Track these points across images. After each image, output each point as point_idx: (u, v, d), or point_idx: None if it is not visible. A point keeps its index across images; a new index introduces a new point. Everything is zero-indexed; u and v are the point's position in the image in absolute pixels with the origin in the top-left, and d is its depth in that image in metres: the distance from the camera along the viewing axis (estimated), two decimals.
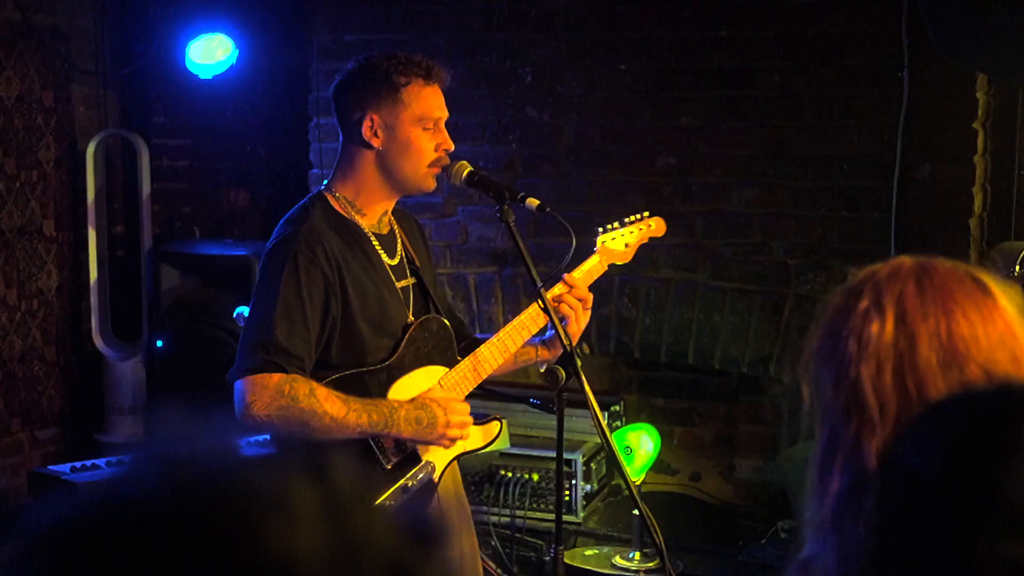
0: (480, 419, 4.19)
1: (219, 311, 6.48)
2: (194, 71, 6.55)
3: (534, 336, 4.23)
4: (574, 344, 4.01)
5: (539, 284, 4.00)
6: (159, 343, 6.70)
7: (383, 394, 3.95)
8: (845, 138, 5.78)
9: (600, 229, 4.43)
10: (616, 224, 4.47)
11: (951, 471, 1.49)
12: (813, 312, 5.63)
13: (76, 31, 7.02)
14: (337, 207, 3.98)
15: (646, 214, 4.58)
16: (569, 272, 4.22)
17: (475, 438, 4.19)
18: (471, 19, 6.27)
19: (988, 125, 5.74)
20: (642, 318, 6.14)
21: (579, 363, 3.91)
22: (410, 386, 4.00)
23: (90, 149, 6.93)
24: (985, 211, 5.79)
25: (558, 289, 4.15)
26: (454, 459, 4.17)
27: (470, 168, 4.07)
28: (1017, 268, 4.86)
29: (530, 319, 4.15)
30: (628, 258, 4.51)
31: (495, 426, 4.29)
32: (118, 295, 7.15)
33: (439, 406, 3.95)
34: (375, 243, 4.02)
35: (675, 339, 6.12)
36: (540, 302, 4.03)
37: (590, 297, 4.22)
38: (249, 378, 3.73)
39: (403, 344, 4.00)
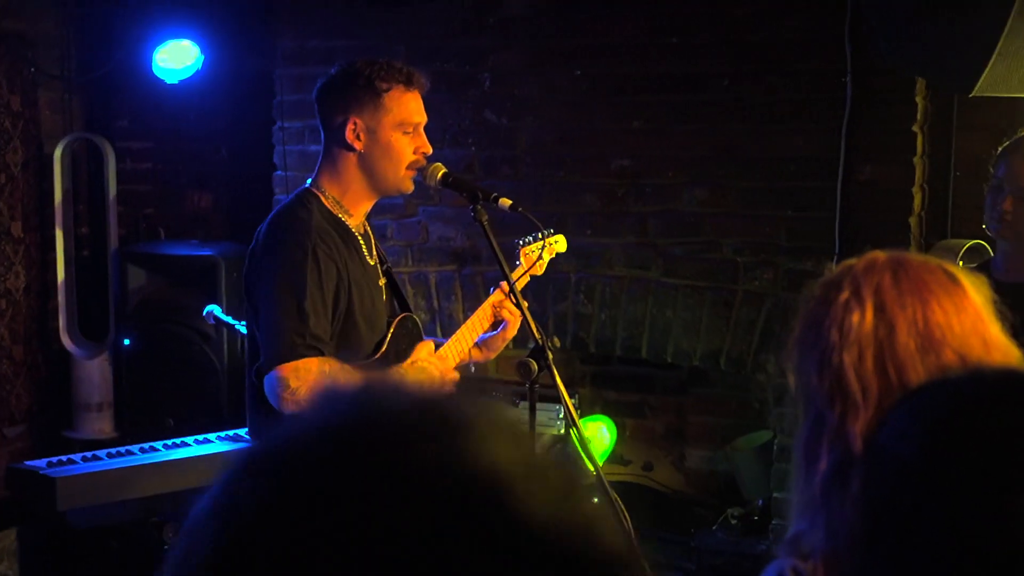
0: None
1: (185, 310, 6.47)
2: (160, 76, 6.52)
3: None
4: (544, 338, 4.08)
5: (512, 281, 4.10)
6: (126, 341, 6.71)
7: None
8: (791, 141, 5.79)
9: (521, 243, 4.55)
10: (529, 239, 4.58)
11: (930, 456, 1.51)
12: (762, 308, 5.78)
13: (43, 37, 6.98)
14: (328, 205, 4.05)
15: (551, 231, 4.67)
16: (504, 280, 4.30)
17: None
18: (431, 26, 6.28)
19: (926, 129, 5.78)
20: (597, 314, 6.17)
21: (551, 356, 4.00)
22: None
23: (57, 152, 6.90)
24: (923, 210, 5.83)
25: (497, 296, 4.26)
26: None
27: (444, 170, 4.15)
28: (960, 263, 4.97)
29: (479, 321, 4.28)
30: (542, 271, 4.64)
31: None
32: (85, 294, 7.13)
33: (432, 365, 4.11)
34: (362, 243, 4.11)
35: (629, 334, 6.14)
36: (512, 297, 4.14)
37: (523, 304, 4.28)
38: (290, 365, 3.77)
39: (388, 340, 4.10)
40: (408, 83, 4.06)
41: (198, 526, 0.97)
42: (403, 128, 4.04)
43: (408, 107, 4.05)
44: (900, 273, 2.05)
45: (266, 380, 3.81)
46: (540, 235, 4.60)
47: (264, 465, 0.98)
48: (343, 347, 3.98)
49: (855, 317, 2.01)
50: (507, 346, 4.51)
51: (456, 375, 4.24)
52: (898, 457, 1.52)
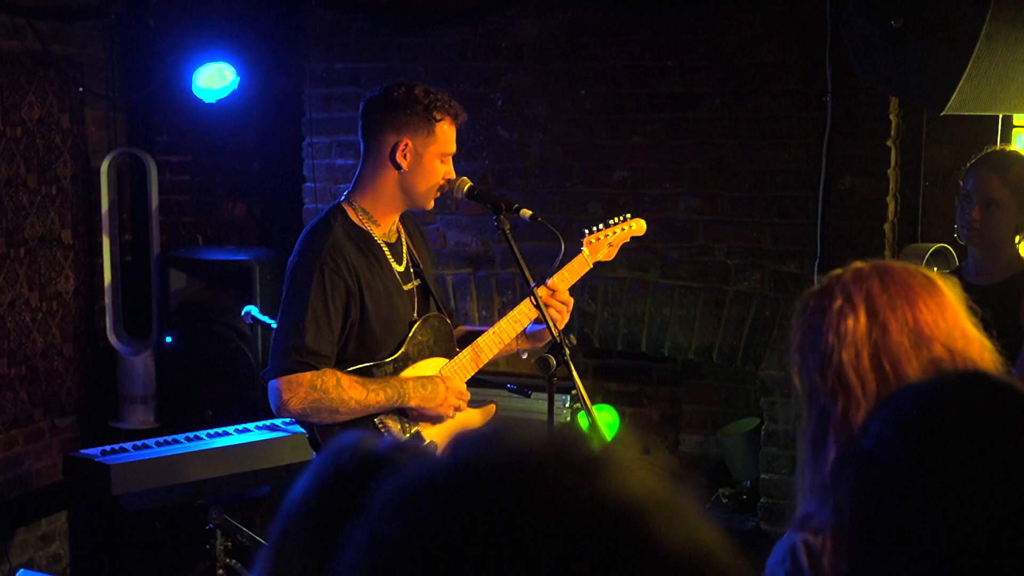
0: (478, 403, 4.33)
1: (221, 310, 6.48)
2: (199, 96, 6.50)
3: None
4: (562, 336, 4.10)
5: (532, 284, 4.11)
6: (167, 339, 6.72)
7: None
8: (776, 154, 5.83)
9: (586, 231, 4.54)
10: (601, 226, 4.57)
11: (910, 461, 1.54)
12: (751, 306, 5.83)
13: (90, 60, 6.94)
14: (355, 218, 4.09)
15: (628, 215, 4.68)
16: (553, 274, 4.32)
17: (474, 419, 4.30)
18: (448, 50, 6.29)
19: (899, 143, 5.81)
20: (601, 312, 6.19)
21: (568, 352, 4.03)
22: (415, 375, 4.14)
23: (103, 166, 6.89)
24: (896, 217, 5.86)
25: (543, 292, 4.22)
26: None
27: (470, 183, 4.21)
28: (935, 270, 5.03)
29: (522, 314, 4.27)
30: (612, 256, 4.62)
31: (490, 408, 4.42)
32: (129, 296, 7.10)
33: (440, 381, 4.11)
34: (386, 251, 4.14)
35: (630, 330, 6.16)
36: (532, 299, 4.13)
37: (571, 300, 4.33)
38: (284, 378, 3.90)
39: (407, 340, 4.13)
40: (455, 118, 4.15)
41: (348, 556, 0.98)
42: (442, 157, 4.12)
43: (450, 139, 4.15)
44: (887, 279, 2.11)
45: (268, 388, 3.97)
46: (613, 220, 4.63)
47: (411, 501, 0.97)
48: (359, 349, 4.05)
49: (850, 322, 2.07)
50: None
51: (466, 393, 4.24)
52: (883, 463, 1.57)
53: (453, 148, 4.17)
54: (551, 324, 4.11)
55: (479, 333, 4.36)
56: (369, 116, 4.16)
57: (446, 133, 4.12)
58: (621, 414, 6.51)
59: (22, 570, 2.98)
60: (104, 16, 6.97)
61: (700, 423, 6.53)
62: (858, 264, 2.18)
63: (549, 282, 4.30)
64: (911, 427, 1.57)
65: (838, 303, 2.10)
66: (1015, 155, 4.97)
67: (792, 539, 2.10)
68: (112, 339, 7.00)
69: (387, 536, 0.96)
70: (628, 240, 4.68)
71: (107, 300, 6.99)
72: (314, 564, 1.41)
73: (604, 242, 4.57)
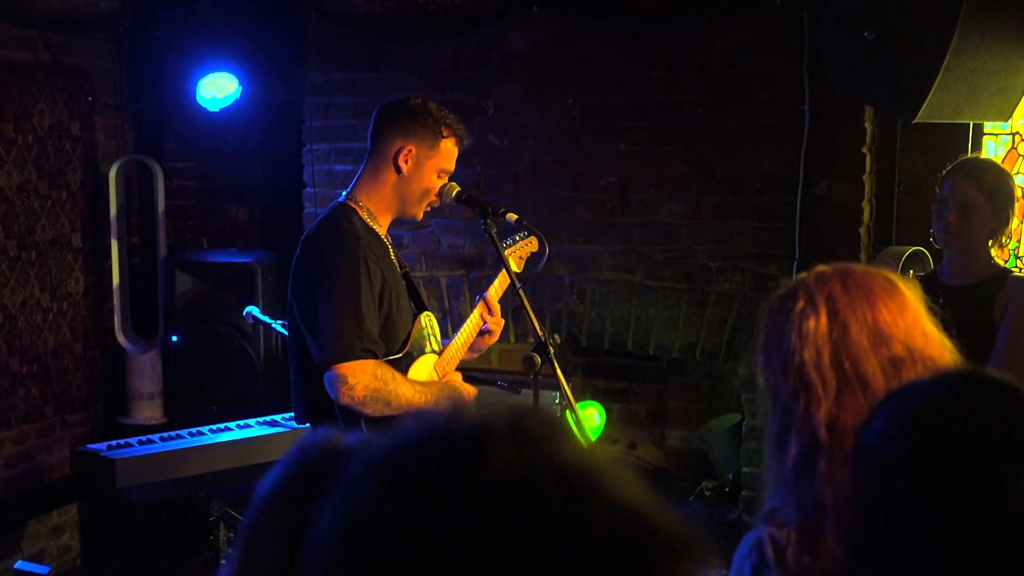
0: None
1: (225, 310, 6.49)
2: (203, 104, 6.52)
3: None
4: (546, 335, 4.11)
5: (518, 285, 4.14)
6: (173, 338, 6.74)
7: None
8: (757, 161, 5.83)
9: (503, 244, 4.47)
10: (509, 242, 4.54)
11: (911, 456, 1.55)
12: (732, 306, 5.84)
13: (98, 70, 6.96)
14: (364, 217, 4.09)
15: (526, 233, 4.58)
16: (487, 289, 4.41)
17: None
18: (442, 61, 6.30)
19: (874, 150, 5.82)
20: (588, 312, 6.19)
21: (552, 351, 4.06)
22: (419, 371, 4.14)
23: (111, 172, 6.90)
24: (872, 221, 5.86)
25: (481, 308, 4.34)
26: None
27: (459, 189, 4.23)
28: (911, 273, 4.98)
29: (478, 319, 4.35)
30: (521, 268, 4.59)
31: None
32: (137, 297, 7.12)
33: (460, 388, 4.20)
34: (391, 251, 4.16)
35: (616, 330, 6.16)
36: (519, 297, 4.15)
37: (497, 309, 4.40)
38: (349, 364, 3.83)
39: (411, 335, 4.14)
40: (460, 140, 4.20)
41: (320, 530, 1.00)
42: (440, 172, 4.15)
43: (451, 158, 4.19)
44: (848, 281, 2.10)
45: (325, 377, 3.85)
46: (517, 237, 4.61)
47: (380, 473, 1.00)
48: (384, 342, 4.02)
49: (811, 322, 2.06)
50: (508, 341, 4.51)
51: (473, 390, 4.30)
52: (884, 458, 1.58)
53: (452, 167, 4.20)
54: (535, 323, 4.12)
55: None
56: (382, 118, 4.18)
57: (448, 151, 4.16)
58: (609, 410, 6.54)
59: (20, 562, 2.99)
60: (112, 28, 6.99)
61: (685, 419, 6.53)
62: (821, 267, 2.17)
63: (486, 296, 4.38)
64: (912, 423, 1.58)
65: (800, 304, 2.09)
66: (989, 163, 5.02)
67: (758, 533, 2.10)
68: (120, 338, 7.02)
69: (358, 507, 0.98)
70: (527, 256, 4.65)
71: (115, 301, 7.01)
72: (282, 552, 1.43)
73: (516, 255, 4.56)
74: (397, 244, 6.13)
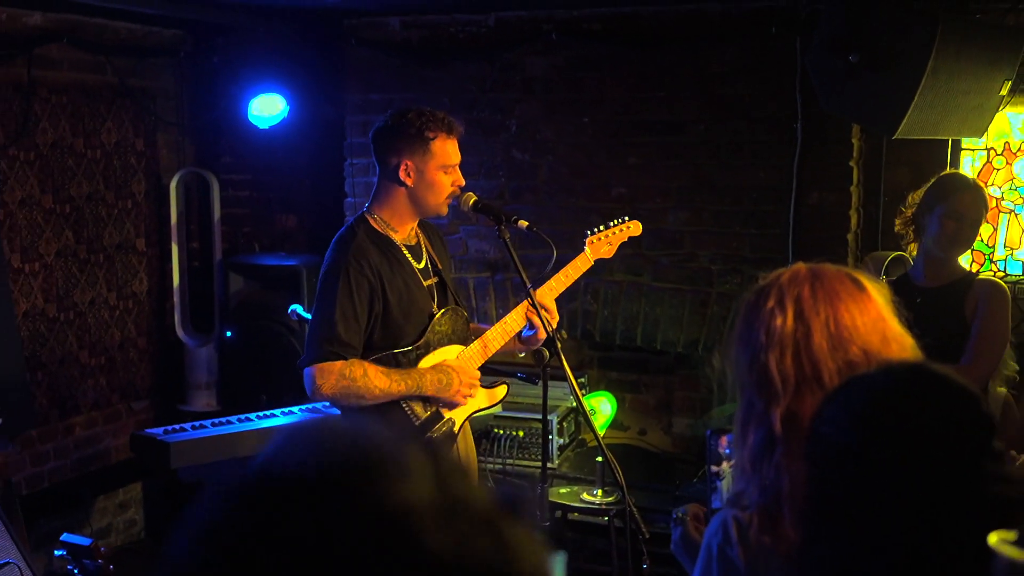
0: (489, 384, 4.30)
1: (275, 308, 6.51)
2: (255, 122, 6.57)
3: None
4: (555, 332, 4.13)
5: (528, 286, 4.12)
6: (228, 333, 6.79)
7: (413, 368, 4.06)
8: (753, 173, 5.85)
9: (588, 232, 4.48)
10: (601, 227, 4.51)
11: (861, 442, 1.55)
12: (731, 306, 5.82)
13: (161, 91, 7.02)
14: (376, 226, 4.08)
15: (627, 217, 4.58)
16: (554, 274, 4.31)
17: (484, 399, 4.29)
18: (469, 83, 6.34)
19: (861, 163, 5.82)
20: (601, 311, 6.22)
21: (559, 345, 4.07)
22: (436, 359, 4.13)
23: (172, 183, 6.97)
24: (859, 228, 5.87)
25: (522, 309, 4.23)
26: (469, 416, 4.25)
27: (475, 197, 4.18)
28: (883, 277, 4.93)
29: (519, 313, 4.25)
30: (611, 254, 4.52)
31: (501, 389, 4.38)
32: (195, 296, 7.16)
33: (453, 371, 4.10)
34: (406, 253, 4.12)
35: (626, 327, 6.18)
36: (529, 300, 4.16)
37: (553, 307, 4.29)
38: (317, 366, 3.89)
39: (427, 330, 4.11)
40: (449, 131, 4.07)
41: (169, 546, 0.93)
42: (444, 168, 4.06)
43: (448, 151, 4.07)
44: (816, 284, 2.06)
45: (303, 375, 3.95)
46: (613, 222, 4.55)
47: (213, 499, 0.93)
48: (384, 338, 4.03)
49: (778, 321, 2.03)
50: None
51: (477, 375, 4.22)
52: (835, 445, 1.57)
53: (454, 159, 4.10)
54: (544, 321, 4.13)
55: (484, 330, 4.34)
56: (375, 143, 4.16)
57: (443, 147, 4.06)
58: (621, 400, 6.55)
59: (65, 534, 3.05)
60: (174, 54, 7.05)
61: (690, 408, 6.50)
62: (798, 266, 2.14)
63: (536, 293, 4.27)
64: (860, 413, 1.58)
65: (771, 304, 2.07)
66: (974, 179, 5.03)
67: (724, 514, 2.09)
68: (180, 333, 7.08)
69: (190, 527, 0.92)
70: (626, 240, 4.60)
71: (176, 299, 7.07)
72: None
73: (604, 241, 4.51)
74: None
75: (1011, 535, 1.37)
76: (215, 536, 0.89)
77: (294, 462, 0.91)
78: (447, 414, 4.17)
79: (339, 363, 3.90)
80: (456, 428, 4.19)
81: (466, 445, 4.36)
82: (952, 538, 1.49)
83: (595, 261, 4.50)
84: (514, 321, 4.28)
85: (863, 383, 1.66)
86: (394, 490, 0.88)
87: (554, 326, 4.24)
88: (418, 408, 4.10)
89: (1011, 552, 1.35)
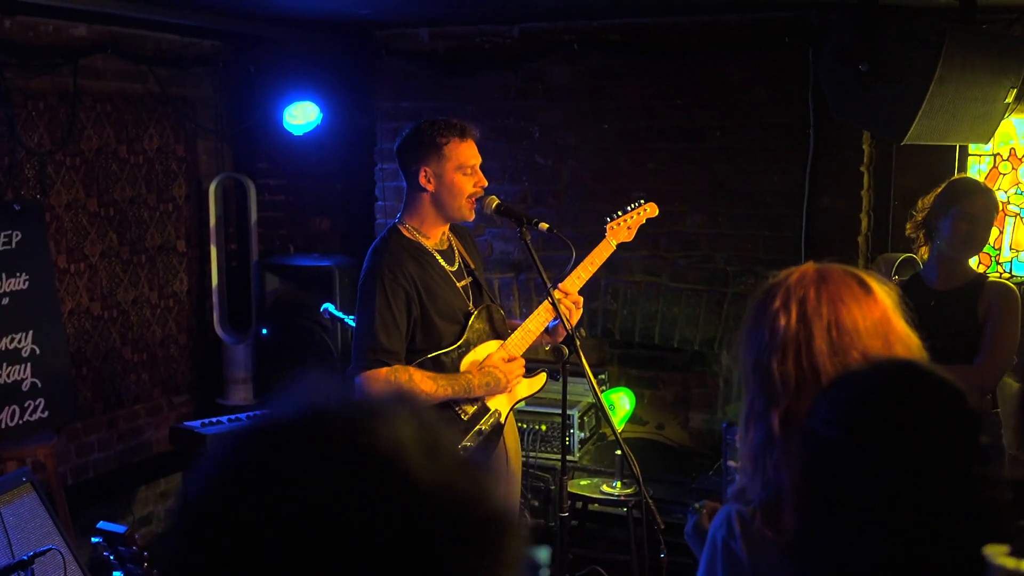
0: (528, 374, 4.31)
1: (308, 307, 6.50)
2: (289, 129, 6.62)
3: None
4: (574, 330, 4.13)
5: (549, 286, 4.12)
6: (264, 331, 6.83)
7: (456, 368, 4.07)
8: (767, 178, 5.84)
9: (608, 218, 4.48)
10: (619, 212, 4.52)
11: (850, 437, 1.53)
12: (746, 305, 5.89)
13: (201, 100, 7.06)
14: (408, 235, 4.10)
15: (642, 200, 4.58)
16: (566, 276, 4.29)
17: (526, 388, 4.31)
18: (494, 92, 6.35)
19: (871, 169, 5.81)
20: (621, 310, 6.21)
21: (578, 343, 4.06)
22: (477, 356, 4.14)
23: (211, 187, 7.02)
24: (869, 231, 5.85)
25: (557, 294, 4.21)
26: (514, 406, 4.27)
27: (498, 201, 4.21)
28: (896, 277, 4.98)
29: (544, 312, 4.26)
30: (631, 237, 4.52)
31: (541, 377, 4.39)
32: (233, 295, 7.20)
33: (499, 370, 4.13)
34: (438, 257, 4.13)
35: (645, 326, 6.18)
36: (550, 299, 4.16)
37: (580, 299, 4.28)
38: (364, 374, 3.91)
39: (467, 329, 4.13)
40: (462, 135, 4.08)
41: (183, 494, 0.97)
42: (462, 170, 4.07)
43: (464, 153, 4.08)
44: (821, 287, 2.01)
45: (352, 384, 3.95)
46: (630, 207, 4.54)
47: (225, 444, 0.98)
48: (426, 340, 4.05)
49: (782, 322, 1.99)
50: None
51: (522, 361, 4.23)
52: (826, 439, 1.55)
53: (471, 160, 4.11)
54: (564, 319, 4.14)
55: (516, 325, 4.35)
56: (399, 157, 4.19)
57: (458, 150, 4.08)
58: (640, 396, 6.56)
59: (101, 522, 3.09)
60: (213, 64, 7.09)
61: (706, 404, 6.50)
62: (806, 266, 2.08)
63: (561, 285, 4.28)
64: (849, 409, 1.56)
65: (777, 304, 2.01)
66: (980, 182, 5.01)
67: (729, 509, 2.06)
68: (218, 331, 7.12)
69: (204, 471, 0.96)
70: (644, 222, 4.59)
71: (214, 299, 7.12)
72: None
73: (624, 226, 4.52)
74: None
75: (1003, 548, 1.35)
76: (228, 478, 0.94)
77: (295, 413, 0.96)
78: (492, 405, 4.19)
79: (384, 370, 3.93)
80: (503, 419, 4.21)
81: (513, 432, 4.39)
82: (939, 534, 1.47)
83: (616, 246, 4.50)
84: (548, 311, 4.29)
85: (852, 380, 1.65)
86: (384, 432, 0.93)
87: (578, 317, 4.26)
88: (466, 405, 4.12)
89: (1007, 562, 1.33)
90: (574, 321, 4.26)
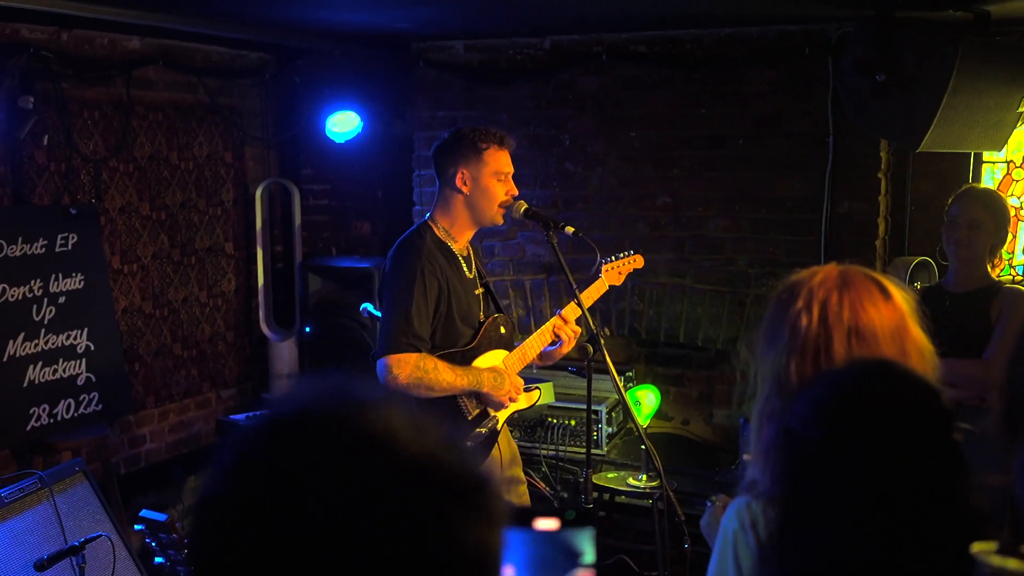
0: (527, 389, 4.32)
1: (349, 307, 6.53)
2: (332, 137, 6.63)
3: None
4: (597, 329, 4.14)
5: (575, 287, 4.13)
6: (307, 329, 6.83)
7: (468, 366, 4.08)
8: (789, 184, 5.82)
9: (603, 260, 4.51)
10: (613, 257, 4.57)
11: (828, 438, 1.50)
12: (767, 306, 5.87)
13: (248, 109, 7.10)
14: (439, 234, 4.10)
15: (631, 251, 4.66)
16: (581, 291, 4.28)
17: (523, 402, 4.32)
18: (526, 101, 6.36)
19: (888, 175, 5.79)
20: (647, 310, 6.20)
21: (603, 342, 4.05)
22: (486, 360, 4.17)
23: (258, 192, 7.06)
24: (886, 235, 5.83)
25: (557, 321, 4.26)
26: (507, 417, 4.28)
27: (526, 205, 4.19)
28: (917, 285, 4.96)
29: (549, 329, 4.29)
30: (620, 281, 4.60)
31: (535, 393, 4.41)
32: (278, 295, 7.25)
33: (505, 375, 4.15)
34: (461, 262, 4.14)
35: (670, 325, 6.16)
36: (575, 301, 4.17)
37: (579, 330, 4.29)
38: (395, 356, 3.88)
39: (480, 334, 4.14)
40: (500, 144, 4.11)
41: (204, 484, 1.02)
42: (497, 176, 4.09)
43: (500, 161, 4.10)
44: (844, 291, 1.98)
45: (377, 364, 3.92)
46: (622, 255, 4.60)
47: (238, 437, 1.03)
48: (445, 338, 4.04)
49: (804, 322, 1.96)
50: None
51: (521, 382, 4.25)
52: (804, 440, 1.52)
53: (506, 168, 4.13)
54: (589, 319, 4.16)
55: (522, 338, 4.38)
56: (435, 158, 4.20)
57: (495, 156, 4.10)
58: (666, 393, 6.53)
59: (144, 510, 3.13)
60: (260, 75, 7.14)
61: (729, 400, 6.46)
62: (829, 267, 2.05)
63: (562, 313, 4.30)
64: (826, 410, 1.53)
65: (799, 304, 1.98)
66: (988, 188, 5.01)
67: (740, 501, 2.04)
68: (264, 329, 7.17)
69: (223, 462, 1.01)
70: (631, 271, 4.66)
71: (260, 298, 7.16)
72: None
73: (616, 271, 4.57)
74: (489, 254, 6.24)
75: (991, 545, 1.33)
76: (243, 464, 0.99)
77: (300, 405, 1.02)
78: (492, 413, 4.22)
79: (415, 355, 3.91)
80: (499, 426, 4.23)
81: (508, 440, 4.40)
82: (918, 533, 1.45)
83: (608, 287, 4.56)
84: (547, 331, 4.31)
85: (827, 380, 1.61)
86: (378, 417, 0.99)
87: (571, 348, 4.28)
88: (470, 405, 4.13)
89: (995, 560, 1.30)
90: (566, 350, 4.30)
